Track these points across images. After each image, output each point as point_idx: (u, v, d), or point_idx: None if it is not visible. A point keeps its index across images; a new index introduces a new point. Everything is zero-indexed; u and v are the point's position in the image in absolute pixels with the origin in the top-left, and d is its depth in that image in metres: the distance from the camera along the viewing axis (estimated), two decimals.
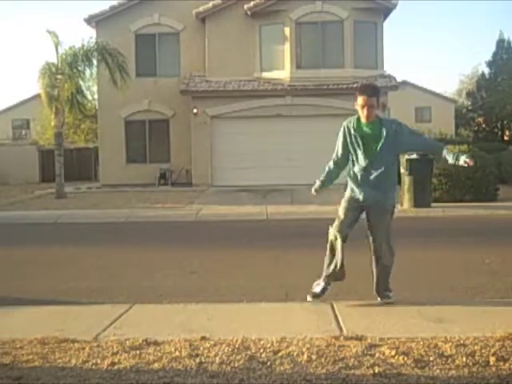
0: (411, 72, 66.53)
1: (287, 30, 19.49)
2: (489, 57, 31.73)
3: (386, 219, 5.06)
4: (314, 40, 19.70)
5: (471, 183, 13.72)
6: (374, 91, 4.98)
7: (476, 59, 72.93)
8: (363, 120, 4.94)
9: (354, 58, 19.47)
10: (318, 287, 5.17)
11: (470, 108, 33.68)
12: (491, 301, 5.29)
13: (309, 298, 5.16)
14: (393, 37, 64.23)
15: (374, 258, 5.14)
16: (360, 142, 4.95)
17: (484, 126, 32.06)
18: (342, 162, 5.15)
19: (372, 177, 4.98)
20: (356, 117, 5.04)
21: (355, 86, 19.28)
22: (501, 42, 31.27)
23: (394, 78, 20.05)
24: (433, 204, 13.08)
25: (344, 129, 5.06)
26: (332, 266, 5.11)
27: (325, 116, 18.94)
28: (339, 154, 5.13)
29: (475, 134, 31.95)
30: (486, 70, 32.02)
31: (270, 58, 19.88)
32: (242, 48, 19.78)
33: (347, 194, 5.13)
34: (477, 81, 33.37)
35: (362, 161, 4.97)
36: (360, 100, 4.91)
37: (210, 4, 19.94)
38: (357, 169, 5.02)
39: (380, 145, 4.92)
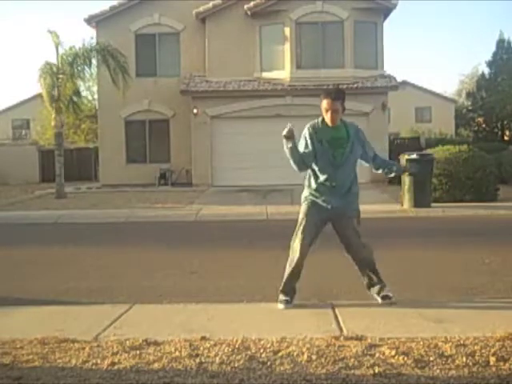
0: (411, 72, 66.69)
1: (287, 30, 19.50)
2: (489, 57, 31.78)
3: (354, 224, 5.01)
4: (314, 40, 19.71)
5: (471, 183, 13.72)
6: (338, 95, 4.93)
7: (476, 59, 73.08)
8: (329, 124, 4.88)
9: (354, 58, 19.47)
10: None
11: (470, 108, 33.68)
12: (491, 301, 5.29)
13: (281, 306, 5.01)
14: (393, 37, 64.34)
15: (355, 261, 5.11)
16: (326, 147, 4.85)
17: (484, 126, 32.05)
18: (305, 165, 4.95)
19: (338, 184, 4.89)
20: (320, 119, 4.95)
21: (355, 86, 19.35)
22: (501, 42, 31.28)
23: (394, 78, 20.05)
24: (433, 204, 13.07)
25: (309, 132, 4.90)
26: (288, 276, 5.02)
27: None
28: (310, 161, 4.90)
29: (475, 133, 31.95)
30: (486, 70, 32.04)
31: (270, 58, 19.88)
32: (242, 48, 19.78)
33: (307, 209, 4.94)
34: (477, 81, 33.38)
35: (327, 167, 4.87)
36: (324, 104, 4.86)
37: (210, 4, 19.94)
38: (322, 177, 4.90)
39: (347, 149, 4.88)
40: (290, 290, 5.02)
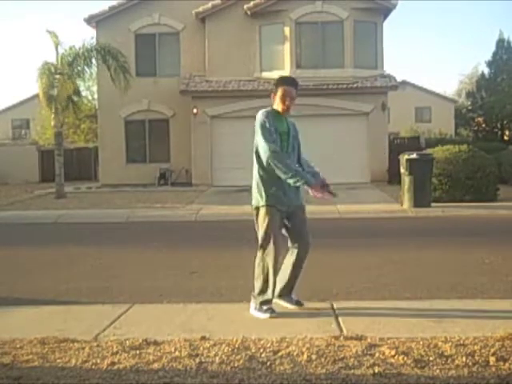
0: (411, 72, 66.71)
1: (287, 30, 19.50)
2: (489, 57, 31.80)
3: (306, 217, 4.87)
4: (314, 40, 19.71)
5: (471, 183, 13.72)
6: (296, 83, 4.85)
7: (476, 59, 73.06)
8: (281, 112, 4.74)
9: (353, 58, 19.47)
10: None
11: (469, 108, 33.69)
12: (491, 301, 5.29)
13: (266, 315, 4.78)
14: (393, 37, 64.42)
15: (294, 261, 4.82)
16: (280, 138, 4.65)
17: (484, 125, 32.06)
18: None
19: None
20: (271, 110, 4.79)
21: (355, 86, 19.35)
22: (501, 42, 31.29)
23: (394, 78, 20.05)
24: (433, 204, 13.07)
25: (267, 120, 4.65)
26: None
27: (325, 116, 18.99)
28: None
29: (475, 133, 31.96)
30: (486, 70, 32.05)
31: (270, 58, 19.88)
32: (242, 48, 19.78)
33: (267, 210, 4.64)
34: (477, 81, 33.39)
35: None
36: (286, 91, 4.73)
37: (210, 4, 19.94)
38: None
39: (291, 141, 4.76)
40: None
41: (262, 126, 4.66)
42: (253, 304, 4.86)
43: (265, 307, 4.76)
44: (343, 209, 12.91)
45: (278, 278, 4.80)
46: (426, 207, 12.83)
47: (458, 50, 69.69)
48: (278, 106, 4.80)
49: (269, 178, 4.68)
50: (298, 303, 4.94)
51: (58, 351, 3.89)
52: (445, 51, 71.08)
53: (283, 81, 4.88)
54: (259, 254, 4.80)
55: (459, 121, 34.75)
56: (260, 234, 4.76)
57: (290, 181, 4.58)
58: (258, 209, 4.76)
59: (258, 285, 4.79)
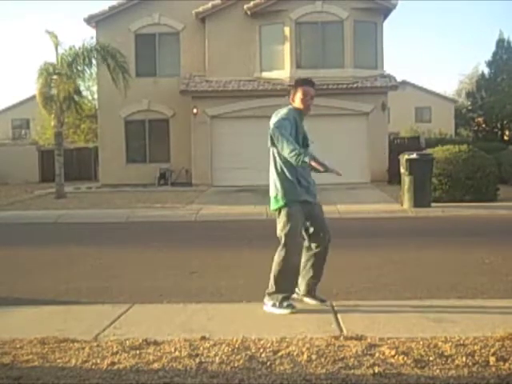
0: (411, 72, 66.71)
1: (287, 30, 19.49)
2: (489, 57, 31.78)
3: (323, 215, 5.06)
4: (313, 40, 19.71)
5: (471, 183, 13.72)
6: (313, 83, 5.04)
7: (476, 59, 73.08)
8: (305, 111, 4.96)
9: (353, 58, 19.47)
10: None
11: (469, 108, 33.68)
12: (491, 301, 5.29)
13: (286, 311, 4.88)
14: (393, 37, 64.41)
15: (316, 259, 4.96)
16: (301, 135, 4.93)
17: (484, 125, 32.06)
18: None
19: (308, 172, 4.93)
20: (292, 108, 4.94)
21: (355, 86, 19.35)
22: (501, 42, 31.28)
23: (394, 78, 20.05)
24: (433, 204, 13.07)
25: (292, 114, 4.85)
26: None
27: (325, 116, 18.95)
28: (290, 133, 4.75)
29: (475, 133, 31.96)
30: (486, 70, 32.04)
31: (270, 58, 19.88)
32: (242, 48, 19.77)
33: (289, 209, 4.81)
34: (477, 81, 33.38)
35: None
36: (309, 91, 4.91)
37: (210, 4, 19.93)
38: (301, 169, 4.81)
39: (309, 137, 5.00)
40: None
41: (280, 122, 4.78)
42: (269, 302, 4.91)
43: (285, 303, 4.85)
44: (343, 209, 12.91)
45: (301, 276, 4.98)
46: (426, 207, 12.83)
47: (458, 50, 69.77)
48: (298, 105, 4.96)
49: (288, 177, 4.81)
50: (321, 300, 5.04)
51: (58, 351, 3.89)
52: (445, 51, 71.13)
53: (302, 82, 5.04)
54: (281, 252, 4.90)
55: (459, 121, 34.75)
56: (283, 232, 4.88)
57: (294, 157, 4.57)
58: (279, 208, 4.90)
59: (278, 282, 4.88)
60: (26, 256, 8.55)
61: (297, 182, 4.83)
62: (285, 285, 4.89)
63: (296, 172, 4.81)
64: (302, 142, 4.89)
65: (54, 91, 17.08)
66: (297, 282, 5.01)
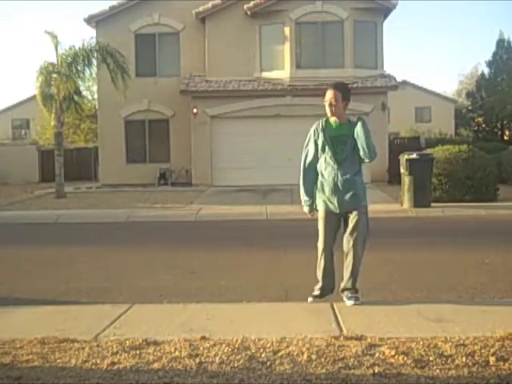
0: (411, 72, 66.69)
1: (287, 30, 19.49)
2: (489, 57, 31.80)
3: (362, 220, 5.06)
4: (313, 40, 19.70)
5: (471, 183, 13.72)
6: (337, 86, 5.06)
7: (476, 59, 73.08)
8: (329, 116, 5.06)
9: (353, 58, 19.47)
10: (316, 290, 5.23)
11: (469, 108, 33.69)
12: (491, 301, 5.29)
13: (309, 299, 5.20)
14: (393, 37, 64.38)
15: (346, 260, 5.10)
16: (329, 144, 5.01)
17: (484, 125, 32.07)
18: (314, 170, 5.14)
19: (342, 180, 4.98)
20: (325, 119, 5.13)
21: (355, 86, 19.32)
22: (501, 42, 31.30)
23: (394, 78, 20.05)
24: (433, 204, 13.07)
25: (315, 132, 5.11)
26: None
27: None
28: (314, 162, 5.12)
29: (475, 133, 31.96)
30: (486, 70, 32.07)
31: (270, 58, 19.87)
32: (241, 48, 19.77)
33: (320, 213, 5.12)
34: (477, 81, 33.39)
35: (331, 165, 5.00)
36: (325, 96, 5.04)
37: (210, 4, 19.93)
38: (326, 175, 5.04)
39: (348, 144, 5.00)
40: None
41: (307, 140, 5.21)
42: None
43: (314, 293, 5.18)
44: None
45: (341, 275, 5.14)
46: (426, 207, 12.83)
47: (458, 50, 69.73)
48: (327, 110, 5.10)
49: (320, 184, 5.11)
50: (353, 300, 5.03)
51: (58, 351, 3.89)
52: (445, 51, 71.13)
53: (328, 86, 5.10)
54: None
55: (459, 121, 34.75)
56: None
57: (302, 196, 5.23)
58: (316, 210, 5.18)
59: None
60: (26, 256, 8.54)
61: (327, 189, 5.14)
62: (320, 283, 5.21)
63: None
64: (332, 148, 4.99)
65: (54, 90, 17.06)
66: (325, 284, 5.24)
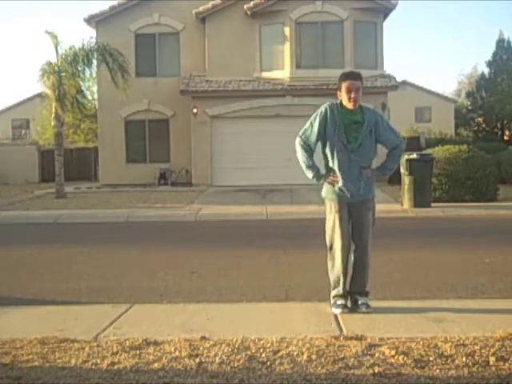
0: (411, 72, 66.67)
1: (287, 30, 19.50)
2: (489, 57, 31.80)
3: (369, 215, 4.90)
4: (313, 40, 19.71)
5: (471, 183, 13.72)
6: (358, 75, 4.90)
7: (476, 59, 73.07)
8: (349, 106, 4.79)
9: (353, 58, 19.46)
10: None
11: (469, 108, 33.69)
12: (491, 301, 5.29)
13: (337, 311, 4.83)
14: (393, 37, 64.38)
15: (353, 260, 4.90)
16: (342, 131, 4.77)
17: (484, 125, 32.07)
18: (311, 149, 4.89)
19: (355, 169, 4.80)
20: (336, 103, 4.87)
21: None
22: (501, 42, 31.30)
23: (394, 78, 20.05)
24: (433, 204, 13.08)
25: (326, 112, 4.81)
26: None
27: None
28: (313, 140, 4.84)
29: (475, 133, 31.97)
30: (486, 70, 32.06)
31: (270, 58, 19.88)
32: (241, 48, 19.78)
33: (330, 203, 4.86)
34: (476, 81, 33.39)
35: (343, 152, 4.77)
36: (348, 84, 4.77)
37: (210, 4, 19.94)
38: (336, 163, 4.80)
39: (363, 132, 4.79)
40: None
41: (314, 116, 4.90)
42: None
43: (338, 302, 4.85)
44: None
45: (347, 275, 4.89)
46: (426, 207, 12.83)
47: (458, 50, 69.67)
48: (344, 100, 4.84)
49: (327, 169, 4.89)
50: (358, 306, 4.85)
51: (58, 351, 3.89)
52: (445, 51, 71.10)
53: (346, 75, 4.91)
54: (328, 249, 4.92)
55: (459, 121, 34.73)
56: (326, 227, 4.90)
57: (305, 171, 4.88)
58: (324, 199, 4.96)
59: (331, 278, 4.94)
60: (26, 256, 8.54)
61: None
62: (334, 282, 4.95)
63: None
64: (345, 138, 4.76)
65: (58, 90, 17.03)
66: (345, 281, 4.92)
